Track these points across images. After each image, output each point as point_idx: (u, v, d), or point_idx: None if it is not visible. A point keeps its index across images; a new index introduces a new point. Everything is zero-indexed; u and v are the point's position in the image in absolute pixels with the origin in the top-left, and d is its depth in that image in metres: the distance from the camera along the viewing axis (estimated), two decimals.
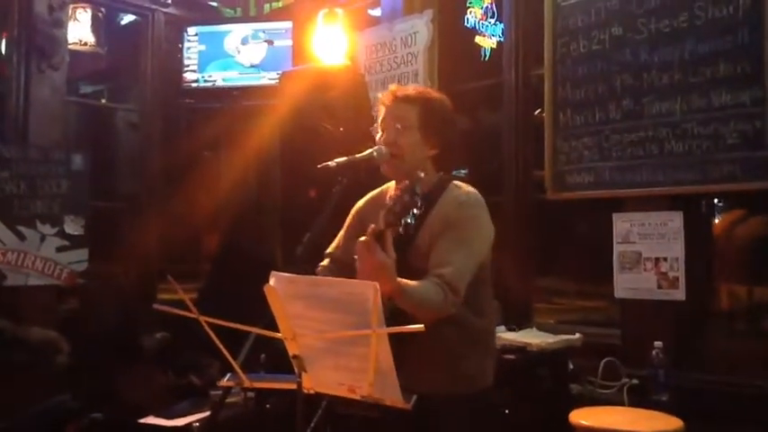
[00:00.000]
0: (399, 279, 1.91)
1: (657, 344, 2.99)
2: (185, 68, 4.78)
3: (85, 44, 5.18)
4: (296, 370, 1.59)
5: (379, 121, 2.21)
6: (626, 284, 3.30)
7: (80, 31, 5.04)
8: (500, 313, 3.73)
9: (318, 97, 3.45)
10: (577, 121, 3.45)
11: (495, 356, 2.22)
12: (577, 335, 3.28)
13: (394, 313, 1.95)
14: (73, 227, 4.41)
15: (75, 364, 4.14)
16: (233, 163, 4.44)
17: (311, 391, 1.70)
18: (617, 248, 3.33)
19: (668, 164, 3.14)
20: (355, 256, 1.88)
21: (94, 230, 4.52)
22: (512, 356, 2.96)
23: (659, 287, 3.20)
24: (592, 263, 3.77)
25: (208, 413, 3.36)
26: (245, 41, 4.66)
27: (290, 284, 1.52)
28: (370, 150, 2.14)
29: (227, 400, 3.47)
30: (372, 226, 1.86)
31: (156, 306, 1.65)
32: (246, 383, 1.75)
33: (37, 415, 3.71)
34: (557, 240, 4.01)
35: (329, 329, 1.51)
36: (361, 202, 2.36)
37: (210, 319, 1.58)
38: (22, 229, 4.22)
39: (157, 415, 3.31)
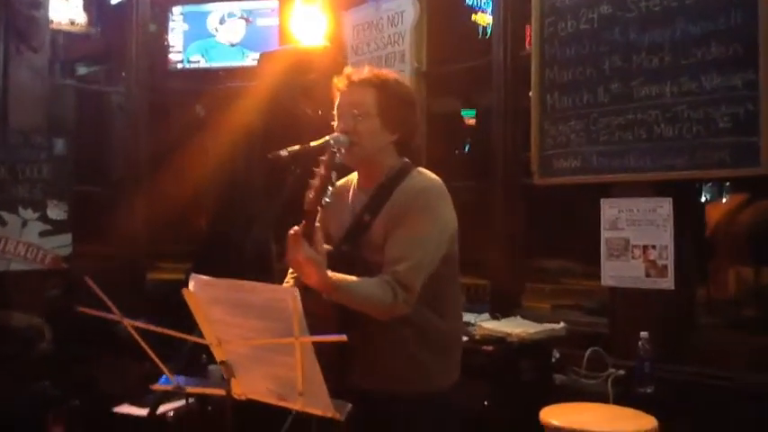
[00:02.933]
0: (334, 275, 1.83)
1: (643, 334, 2.90)
2: (170, 49, 4.68)
3: (76, 24, 5.09)
4: (224, 376, 1.51)
5: (336, 107, 2.11)
6: (613, 272, 3.20)
7: (71, 10, 4.94)
8: (487, 304, 3.68)
9: (296, 79, 3.37)
10: (565, 104, 3.33)
11: (459, 356, 2.11)
12: (561, 324, 3.20)
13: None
14: (56, 212, 4.33)
15: (57, 350, 4.11)
16: (219, 145, 4.34)
17: (242, 398, 1.63)
18: (604, 235, 3.22)
19: (657, 148, 3.02)
20: None
21: (79, 214, 4.44)
22: (490, 348, 2.88)
23: (647, 275, 3.10)
24: (581, 249, 3.68)
25: (183, 402, 3.32)
26: (222, 20, 4.55)
27: (210, 288, 1.43)
28: (326, 138, 2.04)
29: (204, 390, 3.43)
30: (303, 222, 1.77)
31: (81, 309, 1.57)
32: (175, 387, 1.67)
33: (18, 402, 3.67)
34: (545, 226, 3.91)
35: (253, 336, 1.42)
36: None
37: (135, 323, 1.50)
38: (3, 214, 4.14)
39: (132, 403, 3.26)
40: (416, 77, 4.02)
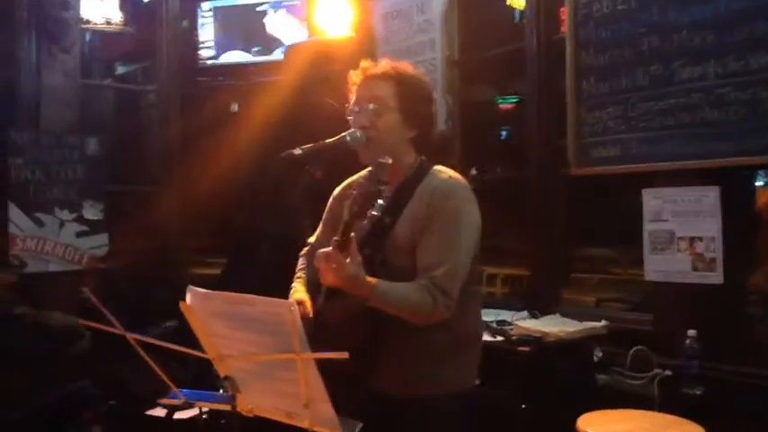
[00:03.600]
0: (376, 282, 1.76)
1: (691, 332, 2.73)
2: (200, 45, 4.64)
3: (112, 23, 5.09)
4: (229, 391, 1.44)
5: (352, 102, 2.01)
6: (657, 266, 3.02)
7: (106, 9, 4.94)
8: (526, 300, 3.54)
9: (321, 71, 3.27)
10: (602, 89, 3.15)
11: (479, 355, 2.05)
12: (603, 322, 3.04)
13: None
14: (91, 212, 4.36)
15: (95, 349, 4.13)
16: (249, 140, 4.29)
17: (251, 414, 1.55)
18: (647, 227, 3.04)
19: (701, 134, 2.82)
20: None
21: (114, 214, 4.46)
22: (526, 348, 2.75)
23: (694, 269, 2.91)
24: (624, 242, 3.50)
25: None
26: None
27: (207, 301, 1.35)
28: (342, 135, 1.95)
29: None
30: (335, 238, 1.70)
31: (81, 322, 1.52)
32: (183, 402, 1.60)
33: (56, 401, 3.69)
34: (586, 214, 3.74)
35: (254, 351, 1.34)
36: (338, 190, 2.20)
37: (137, 337, 1.44)
38: (40, 215, 4.18)
39: (164, 406, 3.22)
40: (448, 65, 3.88)
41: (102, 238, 4.39)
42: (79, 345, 4.22)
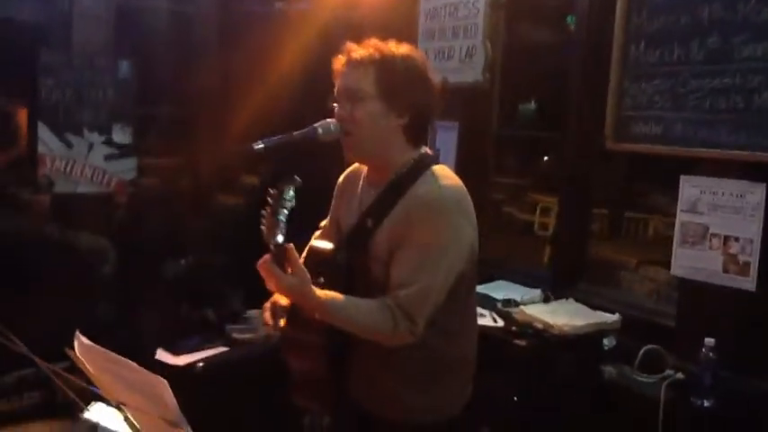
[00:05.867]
0: (326, 295, 1.63)
1: (709, 341, 2.50)
2: None
3: None
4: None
5: (335, 92, 1.81)
6: (686, 261, 2.76)
7: None
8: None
9: (345, 16, 3.03)
10: (651, 58, 2.80)
11: (470, 377, 1.89)
12: (616, 315, 2.82)
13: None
14: (121, 135, 4.31)
15: (119, 274, 4.18)
16: (287, 70, 4.11)
17: None
18: (680, 217, 2.76)
19: (755, 122, 2.49)
20: None
21: (143, 137, 4.41)
22: (523, 343, 2.57)
23: (725, 271, 2.64)
24: (655, 228, 3.22)
25: (216, 351, 3.27)
26: None
27: (92, 354, 1.23)
28: (313, 126, 1.77)
29: (242, 337, 3.38)
30: (270, 246, 1.57)
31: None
32: None
33: (74, 323, 3.77)
34: (619, 197, 3.45)
35: (145, 415, 1.21)
36: (341, 177, 2.05)
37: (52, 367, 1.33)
38: (69, 136, 4.16)
39: (166, 349, 3.24)
40: (493, 6, 3.54)
41: (131, 162, 4.35)
42: (104, 268, 4.30)
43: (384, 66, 1.75)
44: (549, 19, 3.67)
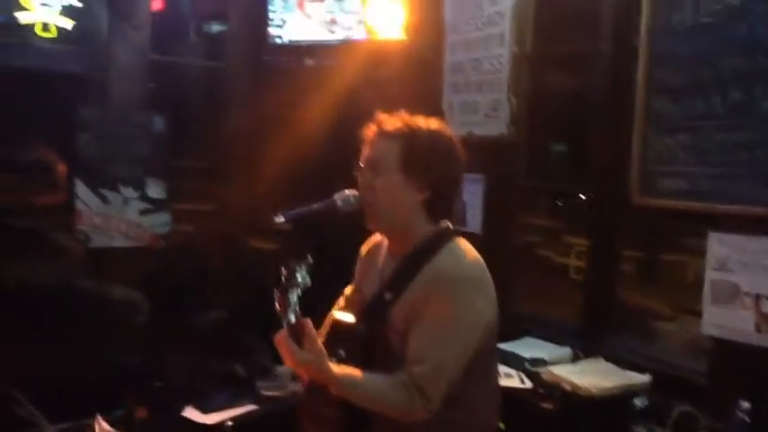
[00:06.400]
0: (341, 371, 1.65)
1: (744, 404, 2.41)
2: (269, 23, 4.51)
3: None
4: None
5: (361, 159, 1.84)
6: (717, 320, 2.68)
7: None
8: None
9: (370, 75, 3.07)
10: (674, 112, 2.77)
11: None
12: (646, 376, 2.75)
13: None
14: (155, 190, 4.40)
15: (150, 326, 4.23)
16: (308, 125, 4.18)
17: None
18: (709, 276, 2.69)
19: None
20: None
21: (176, 191, 4.50)
22: (550, 406, 2.52)
23: (758, 330, 2.55)
24: (685, 284, 3.14)
25: (245, 408, 3.27)
26: None
27: None
28: (333, 198, 1.79)
29: (270, 394, 3.37)
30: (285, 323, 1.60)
31: None
32: None
33: (104, 372, 3.81)
34: (649, 252, 3.39)
35: None
36: (364, 246, 2.06)
37: None
38: (105, 192, 4.27)
39: (195, 406, 3.25)
40: (516, 63, 3.55)
41: (165, 217, 4.44)
42: (137, 319, 4.37)
43: (410, 141, 1.77)
44: (575, 68, 3.65)
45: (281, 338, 1.61)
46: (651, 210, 2.90)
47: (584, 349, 3.01)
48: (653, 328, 3.57)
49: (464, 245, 1.80)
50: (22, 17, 4.00)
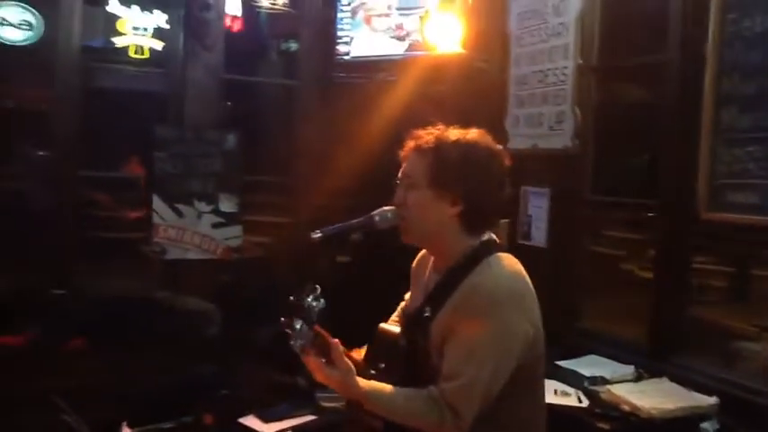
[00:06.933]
0: (368, 388, 1.66)
1: None
2: (338, 40, 4.60)
3: (276, 4, 5.20)
4: None
5: (399, 176, 1.86)
6: None
7: None
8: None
9: (428, 90, 3.08)
10: (744, 124, 2.66)
11: None
12: (713, 399, 2.62)
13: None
14: (227, 204, 4.56)
15: (222, 337, 4.36)
16: (377, 138, 4.23)
17: None
18: None
19: None
20: None
21: (248, 205, 4.63)
22: (606, 426, 2.45)
23: None
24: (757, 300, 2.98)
25: (304, 419, 3.32)
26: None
27: None
28: (370, 214, 1.82)
29: (330, 405, 3.41)
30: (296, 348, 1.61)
31: None
32: None
33: (177, 383, 3.95)
34: (725, 267, 3.24)
35: None
36: (415, 260, 2.05)
37: None
38: (180, 206, 4.44)
39: (257, 415, 3.33)
40: (581, 74, 3.49)
41: (237, 230, 4.58)
42: (209, 330, 4.51)
43: (439, 154, 1.76)
44: (642, 79, 3.55)
45: (309, 358, 1.63)
46: (720, 224, 2.78)
47: (648, 368, 2.90)
48: (731, 347, 3.40)
49: (506, 259, 1.76)
50: (119, 41, 4.23)
